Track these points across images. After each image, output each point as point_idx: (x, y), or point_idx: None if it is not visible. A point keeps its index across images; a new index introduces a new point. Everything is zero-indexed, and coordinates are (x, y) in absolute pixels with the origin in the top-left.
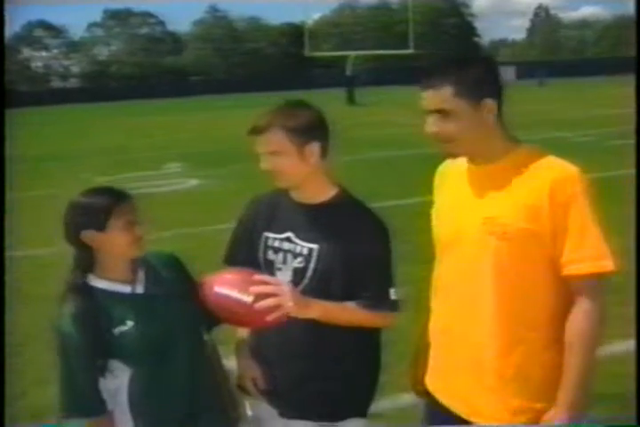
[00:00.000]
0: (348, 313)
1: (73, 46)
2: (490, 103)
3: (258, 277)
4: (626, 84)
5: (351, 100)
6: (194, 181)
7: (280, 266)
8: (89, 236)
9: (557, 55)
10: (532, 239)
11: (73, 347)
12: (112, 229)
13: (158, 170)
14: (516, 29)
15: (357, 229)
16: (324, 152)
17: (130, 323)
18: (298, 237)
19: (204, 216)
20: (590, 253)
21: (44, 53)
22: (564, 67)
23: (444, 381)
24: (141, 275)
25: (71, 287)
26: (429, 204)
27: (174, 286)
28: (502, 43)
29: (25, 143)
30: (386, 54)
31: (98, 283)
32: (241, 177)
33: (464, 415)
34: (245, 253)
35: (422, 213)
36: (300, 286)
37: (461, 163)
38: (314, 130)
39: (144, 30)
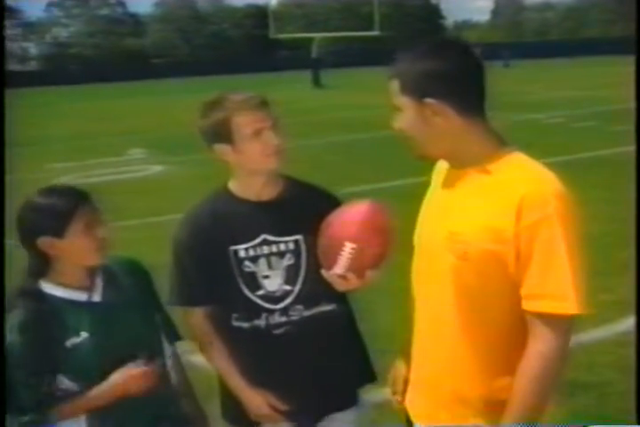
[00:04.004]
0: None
1: (30, 27)
2: (431, 103)
3: None
4: (589, 66)
5: (317, 82)
6: (158, 168)
7: (266, 273)
8: (46, 242)
9: (521, 37)
10: (494, 262)
11: (17, 359)
12: (72, 234)
13: (121, 156)
14: (480, 11)
15: (327, 211)
16: None
17: (84, 334)
18: (275, 235)
19: (169, 204)
20: (552, 290)
21: None
22: (528, 48)
23: (410, 393)
24: (99, 281)
25: (21, 293)
26: (404, 187)
27: (134, 295)
28: (466, 24)
29: None
30: (351, 36)
31: (51, 290)
32: (206, 163)
33: None
34: (206, 281)
35: (399, 197)
36: (297, 286)
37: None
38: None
39: (104, 11)
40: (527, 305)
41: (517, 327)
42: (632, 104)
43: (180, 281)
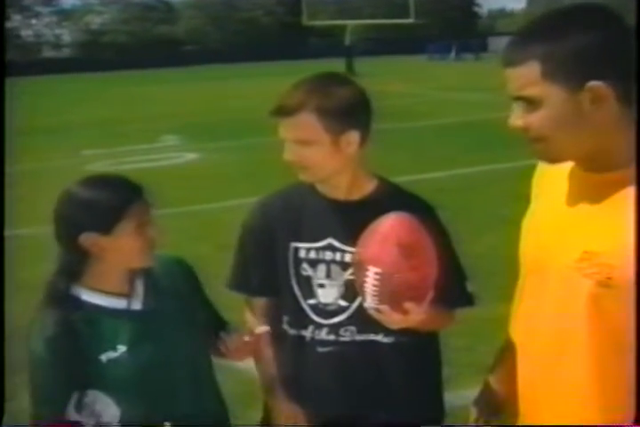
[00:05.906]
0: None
1: (64, 14)
2: (597, 87)
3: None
4: None
5: (350, 70)
6: (192, 155)
7: (322, 282)
8: (90, 239)
9: None
10: None
11: (44, 374)
12: (121, 232)
13: (154, 143)
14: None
15: None
16: (364, 141)
17: (121, 348)
18: (343, 242)
19: (204, 192)
20: None
21: (34, 21)
22: None
23: None
24: (139, 286)
25: (51, 299)
26: (444, 180)
27: (179, 300)
28: (500, 13)
29: (14, 115)
30: (385, 24)
31: (86, 295)
32: (241, 150)
33: None
34: (263, 273)
35: (439, 190)
36: (354, 304)
37: (569, 164)
38: (355, 114)
39: None
40: None
41: None
42: None
43: (239, 267)
